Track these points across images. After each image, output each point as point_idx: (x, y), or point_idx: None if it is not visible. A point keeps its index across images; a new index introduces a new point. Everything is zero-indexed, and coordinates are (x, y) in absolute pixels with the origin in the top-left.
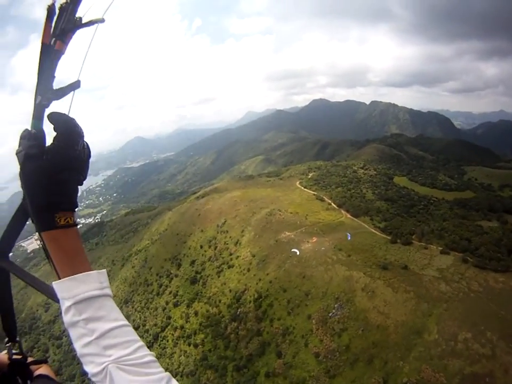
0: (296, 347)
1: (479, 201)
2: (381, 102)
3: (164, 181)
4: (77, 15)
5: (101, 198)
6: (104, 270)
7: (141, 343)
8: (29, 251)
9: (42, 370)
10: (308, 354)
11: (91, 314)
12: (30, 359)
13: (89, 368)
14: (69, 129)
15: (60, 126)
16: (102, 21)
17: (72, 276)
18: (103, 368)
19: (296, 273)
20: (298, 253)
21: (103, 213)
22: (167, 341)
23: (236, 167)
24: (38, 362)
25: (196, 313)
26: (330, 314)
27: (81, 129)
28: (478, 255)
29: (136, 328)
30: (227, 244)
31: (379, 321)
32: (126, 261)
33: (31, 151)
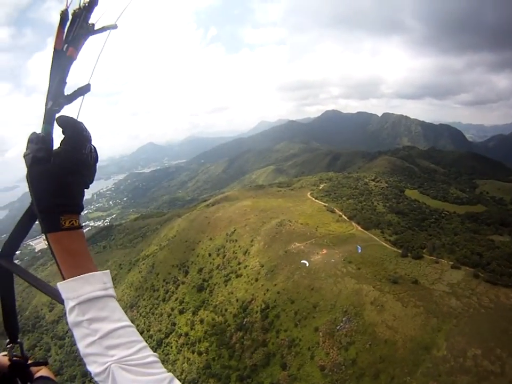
0: (301, 359)
1: (491, 215)
2: (393, 114)
3: (174, 188)
4: (90, 21)
5: (111, 202)
6: (108, 270)
7: (144, 343)
8: (36, 250)
9: (43, 372)
10: (313, 367)
11: (94, 315)
12: (30, 361)
13: (92, 368)
14: (76, 133)
15: (67, 130)
16: (115, 27)
17: (76, 277)
18: (106, 368)
19: (304, 284)
20: (307, 265)
21: (113, 216)
22: (171, 348)
23: (247, 176)
24: (39, 364)
25: (202, 321)
26: (338, 327)
27: (88, 133)
28: (489, 270)
29: (140, 333)
30: (236, 253)
31: (387, 336)
32: (133, 266)
33: (39, 154)
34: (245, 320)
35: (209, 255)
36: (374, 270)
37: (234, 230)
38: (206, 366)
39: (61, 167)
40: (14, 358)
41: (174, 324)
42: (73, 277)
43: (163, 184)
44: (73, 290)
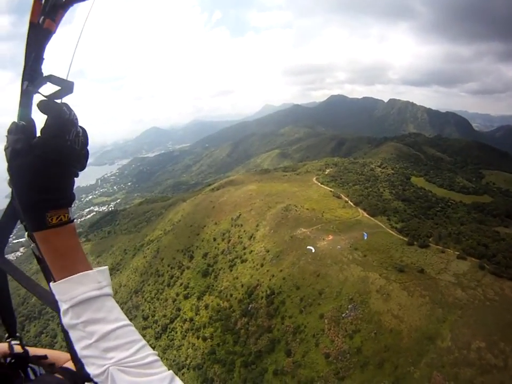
0: (306, 346)
1: (497, 206)
2: (399, 100)
3: (178, 172)
4: None
5: (115, 187)
6: (106, 267)
7: (143, 342)
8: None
9: (70, 364)
10: (318, 354)
11: (90, 317)
12: (31, 353)
13: (91, 370)
14: (57, 118)
15: (48, 115)
16: None
17: (68, 278)
18: (105, 371)
19: (310, 271)
20: (313, 251)
21: (117, 201)
22: (176, 333)
23: (251, 160)
24: (39, 357)
25: (206, 307)
26: (343, 315)
27: (73, 115)
28: (495, 262)
29: (145, 318)
30: (241, 237)
31: (392, 325)
32: (138, 251)
33: (17, 145)
34: (250, 306)
35: (214, 239)
36: (380, 257)
37: (240, 215)
38: (210, 351)
39: (42, 158)
40: (15, 351)
41: (179, 309)
42: (64, 277)
43: (167, 168)
44: (65, 292)
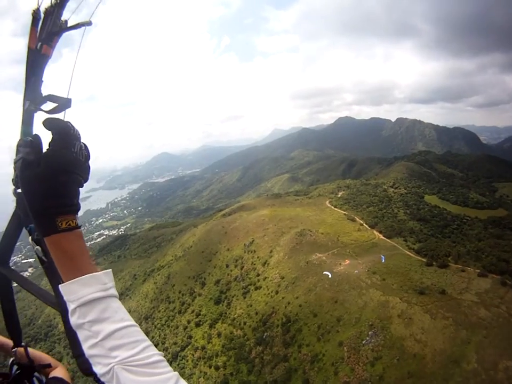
0: (325, 375)
1: None
2: (406, 118)
3: (189, 197)
4: (63, 18)
5: (125, 211)
6: (109, 270)
7: (148, 342)
8: None
9: (58, 372)
10: (338, 383)
11: (96, 316)
12: (36, 361)
13: (97, 369)
14: (63, 133)
15: (54, 130)
16: (89, 24)
17: (76, 279)
18: (110, 369)
19: (327, 297)
20: (330, 276)
21: (127, 225)
22: (187, 361)
23: (262, 185)
24: (44, 366)
25: (219, 335)
26: (363, 342)
27: (77, 131)
28: None
29: (154, 346)
30: (254, 264)
31: (416, 350)
32: (148, 276)
33: (29, 157)
34: (265, 334)
35: (227, 266)
36: (400, 280)
37: (253, 241)
38: (223, 381)
39: (52, 168)
40: (21, 362)
41: (190, 337)
42: (72, 279)
43: (178, 194)
44: (73, 292)
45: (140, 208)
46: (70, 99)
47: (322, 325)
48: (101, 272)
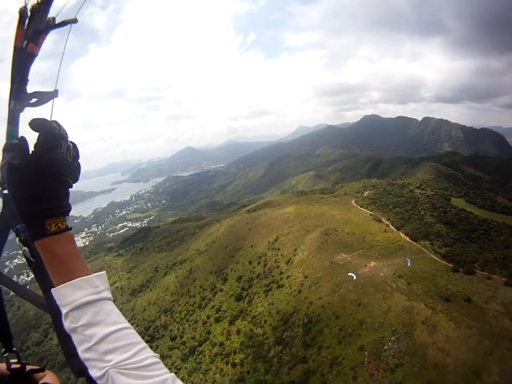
0: (343, 379)
1: None
2: (433, 118)
3: (213, 192)
4: (50, 15)
5: (149, 204)
6: (104, 272)
7: (143, 345)
8: None
9: (47, 378)
10: None
11: (88, 320)
12: (28, 367)
13: (93, 373)
14: (48, 133)
15: (40, 131)
16: (75, 21)
17: (67, 282)
18: (105, 373)
19: (351, 299)
20: (355, 278)
21: (150, 218)
22: (204, 356)
23: (286, 182)
24: (36, 371)
25: (238, 332)
26: (385, 347)
27: (63, 131)
28: None
29: (173, 339)
30: (278, 262)
31: (438, 359)
32: (170, 270)
33: (14, 161)
34: (285, 334)
35: (250, 263)
36: (425, 285)
37: (277, 238)
38: (239, 378)
39: (38, 170)
40: (13, 366)
41: (209, 332)
42: (64, 283)
43: (202, 188)
44: (65, 296)
45: (163, 201)
46: (57, 90)
47: (344, 327)
48: (93, 274)
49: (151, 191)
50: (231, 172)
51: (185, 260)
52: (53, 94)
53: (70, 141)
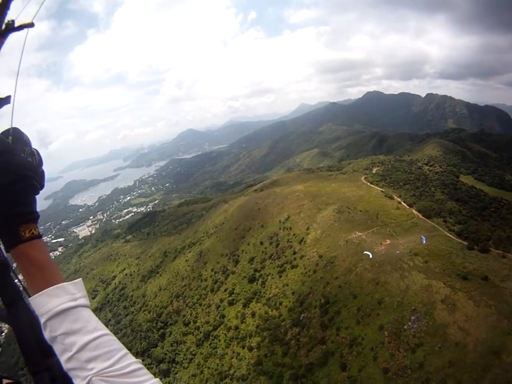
0: (363, 360)
1: None
2: (436, 94)
3: (216, 173)
4: (9, 18)
5: (153, 188)
6: (80, 279)
7: (124, 351)
8: (80, 237)
9: None
10: (376, 369)
11: (67, 328)
12: (5, 382)
13: (77, 382)
14: (13, 139)
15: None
16: (31, 25)
17: (43, 291)
18: (88, 382)
19: (368, 278)
20: (371, 256)
21: (155, 202)
22: (219, 341)
23: (290, 160)
24: (10, 379)
25: (253, 314)
26: (405, 327)
27: (26, 136)
28: None
29: (186, 324)
30: (290, 241)
31: (458, 338)
32: (179, 254)
33: None
34: (302, 315)
35: (261, 243)
36: (442, 263)
37: (288, 217)
38: (257, 362)
39: (5, 175)
40: None
41: (223, 316)
42: (40, 291)
43: (205, 169)
44: (41, 305)
45: (167, 184)
46: (9, 96)
47: (362, 307)
48: (69, 282)
49: (155, 175)
50: (234, 152)
51: (194, 243)
52: (5, 101)
53: (34, 148)
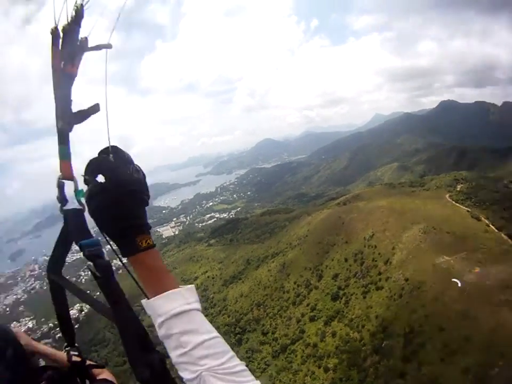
0: None
1: None
2: None
3: (297, 183)
4: (83, 35)
5: (235, 195)
6: (192, 285)
7: (232, 353)
8: (164, 236)
9: (105, 375)
10: None
11: (183, 328)
12: (88, 363)
13: (184, 375)
14: (116, 156)
15: (104, 168)
16: (109, 46)
17: (160, 295)
18: (198, 376)
19: (456, 310)
20: (460, 285)
21: (237, 209)
22: (295, 356)
23: (371, 173)
24: (96, 366)
25: (334, 334)
26: (492, 372)
27: (127, 154)
28: None
29: (264, 334)
30: (375, 260)
31: None
32: (262, 262)
33: (93, 189)
34: (384, 342)
35: (346, 260)
36: None
37: (373, 234)
38: None
39: (120, 192)
40: (73, 359)
41: (302, 331)
42: (158, 294)
43: (285, 179)
44: (159, 307)
45: (248, 193)
46: (98, 104)
47: (449, 342)
48: (184, 287)
49: (235, 183)
50: (314, 163)
51: (277, 253)
52: (94, 109)
53: (136, 165)
